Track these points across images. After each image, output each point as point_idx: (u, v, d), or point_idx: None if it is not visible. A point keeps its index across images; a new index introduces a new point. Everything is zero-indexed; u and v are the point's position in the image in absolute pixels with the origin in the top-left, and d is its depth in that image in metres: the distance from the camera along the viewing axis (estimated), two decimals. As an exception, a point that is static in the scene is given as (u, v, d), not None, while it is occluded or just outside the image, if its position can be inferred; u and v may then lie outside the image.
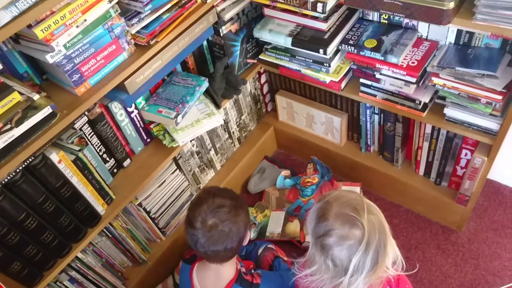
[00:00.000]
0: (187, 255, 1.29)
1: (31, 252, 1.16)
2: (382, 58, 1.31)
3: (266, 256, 1.42)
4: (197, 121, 1.43)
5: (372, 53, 1.32)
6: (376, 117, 1.60)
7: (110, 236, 1.44)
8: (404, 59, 1.30)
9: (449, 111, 1.31)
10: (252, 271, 1.26)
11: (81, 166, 1.22)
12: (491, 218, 1.68)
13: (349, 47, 1.35)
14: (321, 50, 1.37)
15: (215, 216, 1.05)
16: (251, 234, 1.73)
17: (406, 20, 1.34)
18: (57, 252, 1.24)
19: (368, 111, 1.59)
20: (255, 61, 1.68)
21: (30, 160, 1.07)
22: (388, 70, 1.32)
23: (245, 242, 1.15)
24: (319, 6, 1.24)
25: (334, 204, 0.93)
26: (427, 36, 1.34)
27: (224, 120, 1.75)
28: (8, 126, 0.95)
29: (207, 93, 1.53)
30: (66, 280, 1.33)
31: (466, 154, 1.44)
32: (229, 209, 1.06)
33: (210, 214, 1.05)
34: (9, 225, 1.08)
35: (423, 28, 1.33)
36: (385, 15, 1.36)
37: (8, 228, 1.08)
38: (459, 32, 1.25)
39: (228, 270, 1.15)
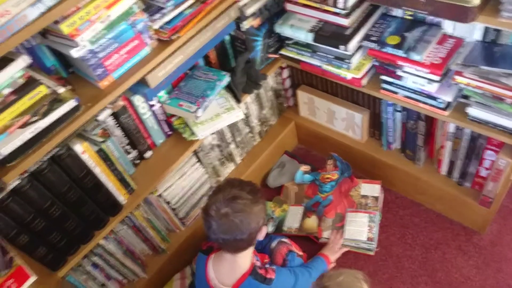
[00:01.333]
0: (204, 246, 1.32)
1: (55, 238, 1.22)
2: (405, 55, 1.28)
3: (280, 250, 1.43)
4: (217, 115, 1.45)
5: (395, 50, 1.29)
6: (398, 114, 1.58)
7: (131, 225, 1.49)
8: (427, 56, 1.27)
9: (473, 111, 1.28)
10: (267, 265, 1.27)
11: (104, 157, 1.26)
12: (517, 221, 1.63)
13: (371, 43, 1.34)
14: (341, 46, 1.36)
15: (228, 205, 1.08)
16: (269, 228, 1.74)
17: (430, 17, 1.31)
18: (80, 238, 1.30)
19: (389, 108, 1.57)
20: (276, 56, 1.69)
21: (56, 150, 1.11)
22: (411, 67, 1.29)
23: (260, 237, 1.16)
24: (340, 2, 1.23)
25: None
26: (452, 33, 1.30)
27: (245, 114, 1.76)
28: (35, 118, 1.00)
29: (228, 87, 1.55)
30: (89, 265, 1.39)
31: (490, 155, 1.40)
32: (244, 201, 1.08)
33: (224, 203, 1.08)
34: (35, 212, 1.13)
35: (448, 24, 1.29)
36: (409, 11, 1.33)
37: (34, 215, 1.14)
38: (486, 29, 1.21)
39: (243, 262, 1.17)
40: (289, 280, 1.28)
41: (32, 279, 0.91)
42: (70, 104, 1.03)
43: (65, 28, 1.01)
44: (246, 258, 1.18)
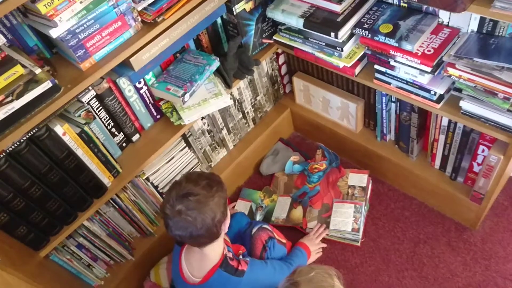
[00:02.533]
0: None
1: (36, 217, 1.22)
2: (396, 45, 1.24)
3: (260, 236, 1.41)
4: (204, 100, 1.43)
5: (386, 38, 1.25)
6: (393, 105, 1.54)
7: (117, 207, 1.50)
8: (420, 46, 1.23)
9: (465, 104, 1.23)
10: (241, 257, 1.26)
11: (87, 139, 1.26)
12: (511, 218, 1.59)
13: (363, 31, 1.29)
14: (332, 34, 1.31)
15: (181, 202, 1.06)
16: (258, 217, 1.73)
17: (426, 5, 1.25)
18: (63, 219, 1.31)
19: (384, 98, 1.53)
20: (271, 41, 1.65)
21: (34, 131, 1.11)
22: (403, 57, 1.25)
23: (224, 229, 1.14)
24: (330, -13, 1.18)
25: None
26: (448, 23, 1.25)
27: (238, 100, 1.74)
28: (9, 99, 0.99)
29: (218, 72, 1.52)
30: (74, 245, 1.41)
31: (483, 150, 1.36)
32: (197, 198, 1.06)
33: (178, 201, 1.06)
34: (14, 191, 1.14)
35: (444, 13, 1.24)
36: (403, -2, 1.28)
37: (14, 194, 1.14)
38: (482, 20, 1.16)
39: (212, 255, 1.16)
40: (264, 272, 1.27)
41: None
42: (45, 85, 1.02)
43: (42, 7, 1.00)
44: (215, 251, 1.16)
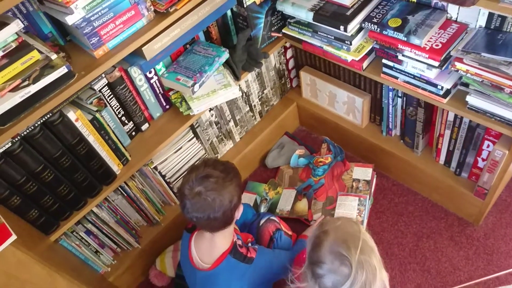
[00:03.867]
0: (189, 224, 1.34)
1: (48, 202, 1.25)
2: (405, 39, 1.25)
3: (268, 227, 1.44)
4: (213, 91, 1.45)
5: (395, 33, 1.27)
6: (399, 100, 1.55)
7: (125, 195, 1.52)
8: (428, 41, 1.24)
9: (472, 99, 1.25)
10: (249, 245, 1.28)
11: (98, 126, 1.28)
12: (513, 215, 1.61)
13: (371, 25, 1.31)
14: (341, 27, 1.33)
15: (201, 184, 1.08)
16: (262, 209, 1.76)
17: (435, 0, 1.27)
18: (73, 204, 1.33)
19: (390, 93, 1.54)
20: (279, 35, 1.67)
21: (48, 116, 1.13)
22: (411, 52, 1.26)
23: (237, 216, 1.17)
24: (341, -19, 1.20)
25: (331, 236, 0.97)
26: (456, 18, 1.27)
27: (245, 93, 1.76)
28: (26, 83, 1.01)
29: (227, 64, 1.54)
30: (82, 231, 1.43)
31: (488, 146, 1.37)
32: (216, 179, 1.09)
33: (197, 182, 1.09)
34: (27, 175, 1.16)
35: (452, 9, 1.25)
36: (413, -7, 1.30)
37: (27, 178, 1.17)
38: (490, 16, 1.17)
39: (222, 241, 1.19)
40: (272, 261, 1.29)
41: (12, 238, 0.94)
42: (61, 71, 1.04)
43: (58, -6, 1.02)
44: (225, 238, 1.19)
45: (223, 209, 1.08)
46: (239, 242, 1.24)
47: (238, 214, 1.17)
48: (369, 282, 0.94)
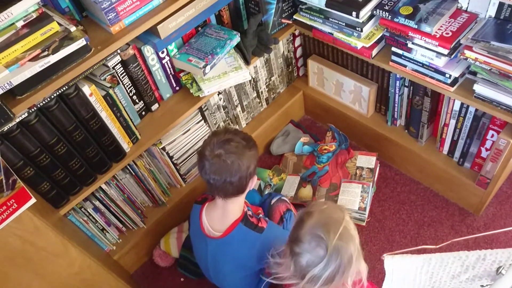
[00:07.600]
0: (199, 198, 1.36)
1: (59, 175, 1.26)
2: (416, 27, 1.28)
3: (279, 207, 1.46)
4: (224, 73, 1.47)
5: (406, 20, 1.29)
6: (406, 89, 1.58)
7: (133, 174, 1.54)
8: (439, 29, 1.27)
9: (479, 88, 1.28)
10: (260, 215, 1.31)
11: (111, 102, 1.30)
12: (513, 206, 1.64)
13: (383, 12, 1.33)
14: (354, 13, 1.35)
15: (222, 147, 1.11)
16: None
17: (446, -11, 1.29)
18: (83, 179, 1.35)
19: (397, 82, 1.57)
20: (289, 21, 1.69)
21: (64, 89, 1.15)
22: (421, 39, 1.29)
23: (250, 186, 1.19)
24: (356, -34, 1.22)
25: (314, 218, 0.99)
26: (467, 8, 1.29)
27: (253, 79, 1.78)
28: (46, 53, 1.03)
29: (238, 48, 1.56)
30: (90, 208, 1.45)
31: (492, 136, 1.40)
32: (237, 144, 1.12)
33: (218, 145, 1.12)
34: (41, 146, 1.18)
35: (463, -2, 1.28)
36: (425, -18, 1.32)
37: (41, 150, 1.18)
38: (500, 5, 1.20)
39: (234, 209, 1.21)
40: (282, 234, 1.31)
41: (32, 201, 0.96)
42: (80, 43, 1.06)
43: (80, -33, 1.03)
44: (237, 206, 1.21)
45: (239, 174, 1.11)
46: (250, 212, 1.26)
47: (252, 184, 1.19)
48: (343, 268, 0.95)
